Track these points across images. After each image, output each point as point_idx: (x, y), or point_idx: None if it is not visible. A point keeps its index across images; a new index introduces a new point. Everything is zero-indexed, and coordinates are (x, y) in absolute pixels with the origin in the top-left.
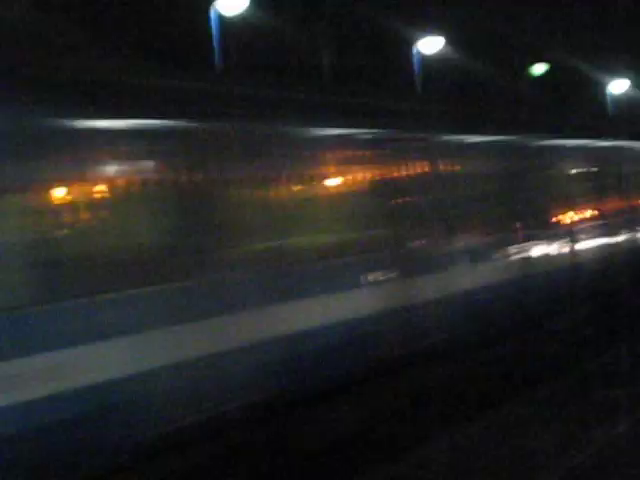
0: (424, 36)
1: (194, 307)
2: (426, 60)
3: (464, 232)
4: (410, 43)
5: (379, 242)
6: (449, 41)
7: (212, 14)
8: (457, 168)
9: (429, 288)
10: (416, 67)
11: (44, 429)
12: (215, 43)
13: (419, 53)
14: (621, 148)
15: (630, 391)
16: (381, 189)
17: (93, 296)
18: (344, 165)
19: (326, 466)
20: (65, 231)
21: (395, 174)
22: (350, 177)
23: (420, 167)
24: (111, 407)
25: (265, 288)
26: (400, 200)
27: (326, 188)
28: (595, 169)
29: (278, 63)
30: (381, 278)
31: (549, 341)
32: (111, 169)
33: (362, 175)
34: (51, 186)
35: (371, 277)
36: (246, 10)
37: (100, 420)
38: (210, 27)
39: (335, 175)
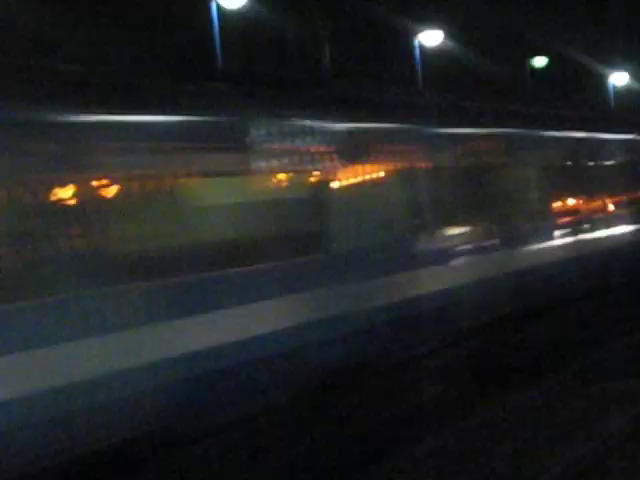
0: (424, 29)
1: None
2: (427, 53)
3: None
4: (411, 36)
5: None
6: (448, 34)
7: (212, 7)
8: (606, 163)
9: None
10: (417, 60)
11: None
12: (215, 36)
13: (420, 46)
14: None
15: None
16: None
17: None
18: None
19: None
20: None
21: (591, 166)
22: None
23: (597, 161)
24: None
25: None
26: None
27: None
28: None
29: (278, 57)
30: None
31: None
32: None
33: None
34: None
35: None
36: (246, 3)
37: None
38: (211, 20)
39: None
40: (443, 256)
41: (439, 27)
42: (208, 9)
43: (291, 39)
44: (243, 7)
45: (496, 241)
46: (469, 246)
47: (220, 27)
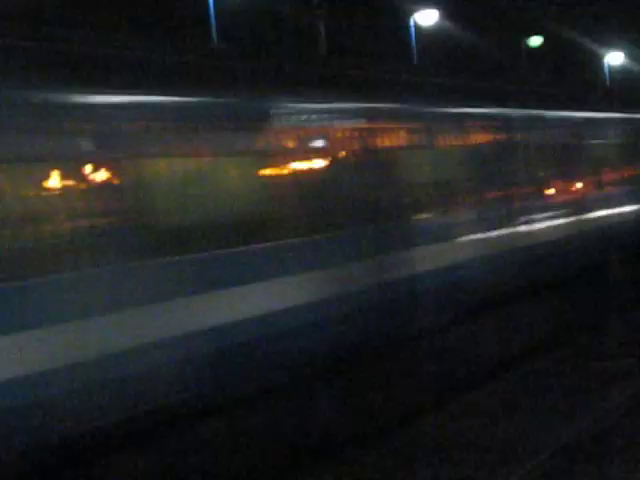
0: (420, 8)
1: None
2: (423, 32)
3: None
4: (407, 15)
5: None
6: (444, 14)
7: None
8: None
9: None
10: (412, 39)
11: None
12: (211, 17)
13: (415, 25)
14: None
15: None
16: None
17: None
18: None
19: None
20: None
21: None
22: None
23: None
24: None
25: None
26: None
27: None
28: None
29: (274, 35)
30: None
31: None
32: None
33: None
34: None
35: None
36: None
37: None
38: (207, 2)
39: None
40: None
41: (434, 7)
42: None
43: (287, 16)
44: None
45: None
46: None
47: (215, 6)
